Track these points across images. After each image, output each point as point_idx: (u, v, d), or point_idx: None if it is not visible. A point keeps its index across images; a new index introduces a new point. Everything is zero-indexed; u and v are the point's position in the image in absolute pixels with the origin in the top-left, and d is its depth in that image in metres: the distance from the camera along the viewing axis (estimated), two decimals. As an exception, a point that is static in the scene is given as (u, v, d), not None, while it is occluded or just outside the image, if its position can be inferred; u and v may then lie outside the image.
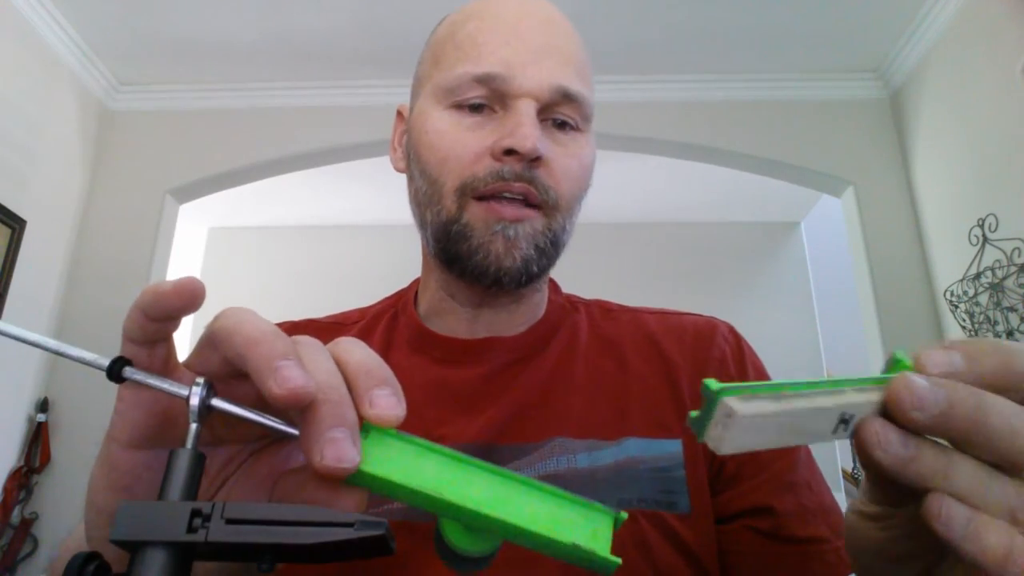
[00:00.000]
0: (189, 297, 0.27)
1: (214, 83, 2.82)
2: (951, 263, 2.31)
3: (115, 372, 0.27)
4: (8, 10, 2.27)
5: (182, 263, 4.07)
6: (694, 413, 0.25)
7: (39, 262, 2.45)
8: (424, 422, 0.52)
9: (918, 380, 0.25)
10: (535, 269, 0.52)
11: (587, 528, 0.27)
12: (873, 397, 0.25)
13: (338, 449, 0.25)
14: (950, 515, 0.24)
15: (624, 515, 0.28)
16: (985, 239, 2.10)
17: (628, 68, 2.68)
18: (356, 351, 0.29)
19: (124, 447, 0.30)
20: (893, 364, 0.27)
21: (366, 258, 4.16)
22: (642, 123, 2.72)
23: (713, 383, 0.24)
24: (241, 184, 2.93)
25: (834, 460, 4.01)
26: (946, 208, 2.37)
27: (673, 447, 0.51)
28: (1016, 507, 0.24)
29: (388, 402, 0.27)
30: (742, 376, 0.56)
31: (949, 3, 2.27)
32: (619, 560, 0.26)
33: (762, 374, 0.58)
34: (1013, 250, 1.98)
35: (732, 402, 0.24)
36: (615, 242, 4.08)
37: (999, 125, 2.07)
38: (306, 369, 0.26)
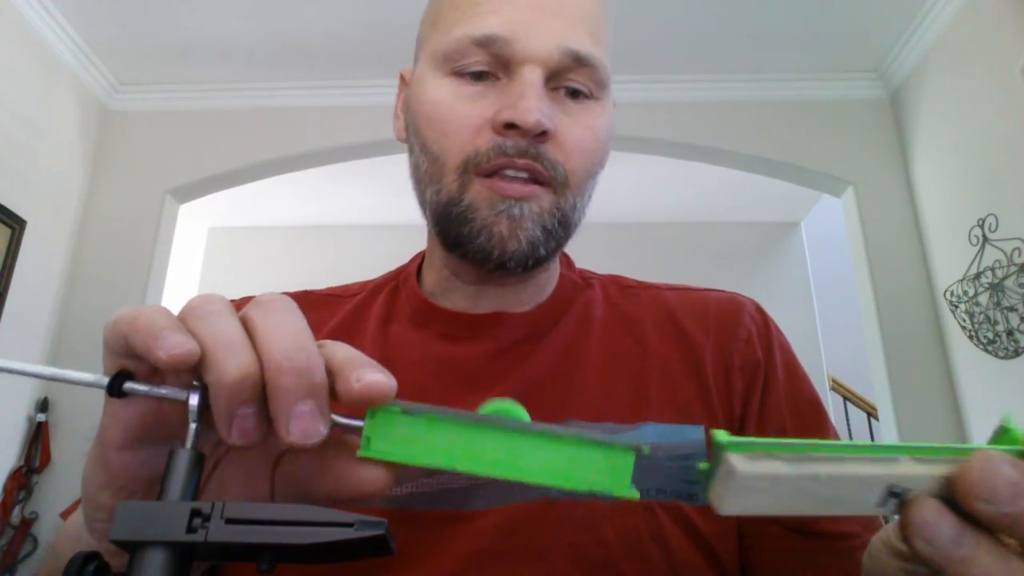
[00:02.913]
0: (180, 368, 0.26)
1: (214, 83, 2.82)
2: (951, 263, 2.31)
3: (116, 388, 0.27)
4: (8, 10, 2.27)
5: (182, 263, 4.07)
6: (703, 465, 0.23)
7: (39, 262, 2.45)
8: (426, 401, 0.49)
9: (1002, 464, 0.20)
10: (542, 252, 0.48)
11: (605, 467, 0.26)
12: (936, 471, 0.21)
13: (303, 423, 0.25)
14: None
15: (647, 449, 0.26)
16: (985, 239, 2.10)
17: (628, 68, 2.68)
18: (341, 349, 0.28)
19: (118, 449, 0.29)
20: (1000, 434, 0.22)
21: (366, 258, 4.16)
22: (642, 123, 2.72)
23: (723, 435, 0.22)
24: (241, 184, 2.93)
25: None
26: (946, 208, 2.37)
27: (695, 434, 0.48)
28: None
29: (376, 376, 0.26)
30: (769, 360, 0.52)
31: (949, 3, 2.27)
32: (637, 494, 0.26)
33: (790, 355, 0.54)
34: (1013, 250, 1.98)
35: (735, 459, 0.21)
36: (615, 242, 4.09)
37: (999, 125, 2.07)
38: (259, 335, 0.27)
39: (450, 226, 0.48)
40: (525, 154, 0.46)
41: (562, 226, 0.49)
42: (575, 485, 0.26)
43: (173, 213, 2.82)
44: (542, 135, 0.46)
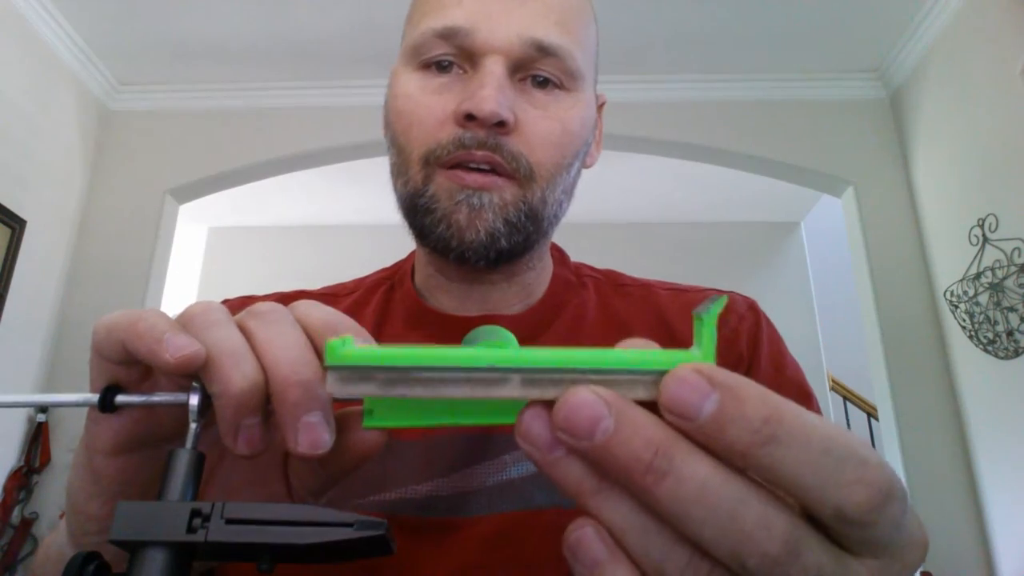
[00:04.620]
0: (187, 371, 0.25)
1: (214, 83, 2.82)
2: (951, 263, 2.31)
3: (108, 403, 0.27)
4: (8, 10, 2.27)
5: (182, 263, 4.07)
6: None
7: (39, 262, 2.45)
8: None
9: (586, 395, 0.19)
10: (504, 244, 0.46)
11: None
12: (547, 394, 0.20)
13: (311, 434, 0.26)
14: (579, 545, 0.19)
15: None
16: (985, 239, 2.10)
17: (628, 68, 2.69)
18: (315, 311, 0.28)
19: (109, 455, 0.29)
20: (700, 319, 0.21)
21: (366, 258, 4.16)
22: (642, 123, 2.72)
23: (337, 346, 0.22)
24: (241, 184, 2.93)
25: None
26: (946, 208, 2.37)
27: None
28: (677, 570, 0.19)
29: None
30: (754, 356, 0.52)
31: (949, 3, 2.27)
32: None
33: (779, 352, 0.54)
34: (1013, 250, 1.99)
35: (331, 380, 0.22)
36: (614, 242, 4.09)
37: (999, 125, 2.08)
38: (260, 346, 0.26)
39: (416, 217, 0.48)
40: (484, 146, 0.45)
41: (530, 220, 0.47)
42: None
43: (173, 213, 2.82)
44: (500, 126, 0.45)
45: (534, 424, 0.20)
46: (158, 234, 2.70)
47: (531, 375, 0.21)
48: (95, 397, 0.27)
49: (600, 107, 0.57)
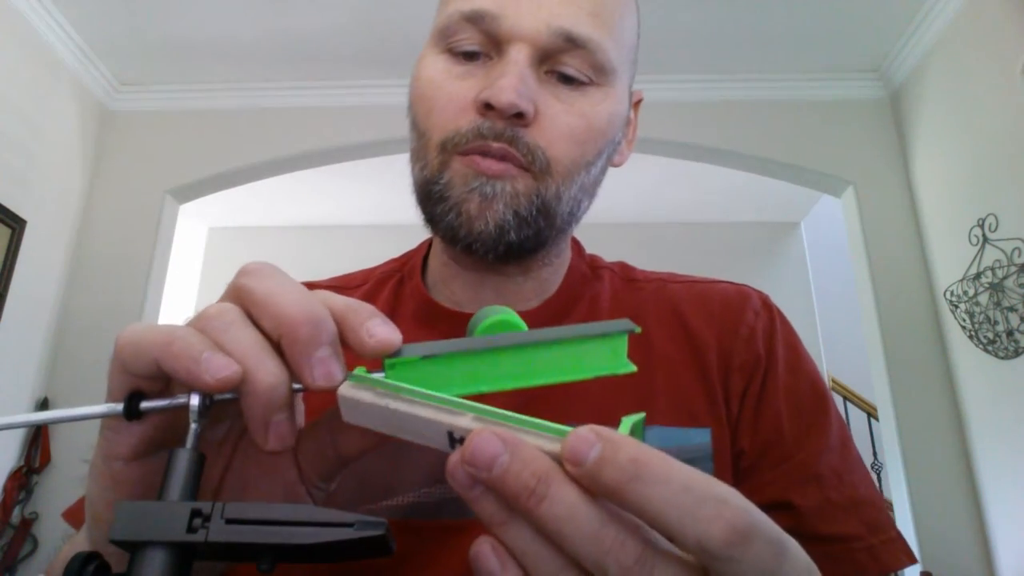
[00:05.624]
0: (226, 390, 0.26)
1: (214, 83, 2.82)
2: (951, 263, 2.31)
3: (134, 410, 0.27)
4: (8, 10, 2.27)
5: (182, 263, 4.07)
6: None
7: (39, 262, 2.45)
8: None
9: (489, 435, 0.23)
10: (513, 237, 0.45)
11: (605, 352, 0.29)
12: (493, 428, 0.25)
13: (325, 367, 0.27)
14: (477, 558, 0.23)
15: (637, 328, 0.29)
16: (985, 239, 2.10)
17: (628, 68, 2.68)
18: (336, 298, 0.30)
19: (129, 461, 0.29)
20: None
21: (367, 258, 4.14)
22: (642, 123, 2.70)
23: (359, 370, 0.27)
24: (241, 184, 2.93)
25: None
26: (946, 208, 2.37)
27: (701, 437, 0.46)
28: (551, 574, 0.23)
29: (385, 329, 0.28)
30: (770, 357, 0.51)
31: (949, 3, 2.27)
32: (634, 367, 0.29)
33: (794, 352, 0.52)
34: (1013, 250, 1.98)
35: (345, 384, 0.27)
36: (615, 242, 4.08)
37: (999, 125, 2.07)
38: (262, 298, 0.28)
39: (428, 204, 0.47)
40: (501, 137, 0.44)
41: (541, 215, 0.46)
42: (583, 374, 0.29)
43: (173, 213, 2.82)
44: (519, 117, 0.44)
45: (459, 468, 0.23)
46: (158, 234, 2.70)
47: (480, 415, 0.25)
48: (119, 407, 0.27)
49: (636, 104, 0.56)
